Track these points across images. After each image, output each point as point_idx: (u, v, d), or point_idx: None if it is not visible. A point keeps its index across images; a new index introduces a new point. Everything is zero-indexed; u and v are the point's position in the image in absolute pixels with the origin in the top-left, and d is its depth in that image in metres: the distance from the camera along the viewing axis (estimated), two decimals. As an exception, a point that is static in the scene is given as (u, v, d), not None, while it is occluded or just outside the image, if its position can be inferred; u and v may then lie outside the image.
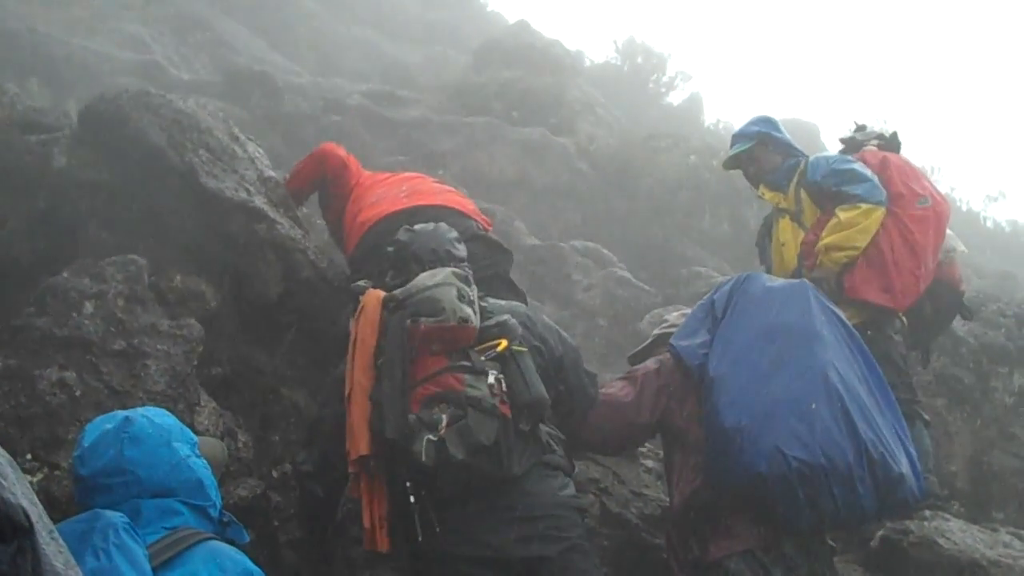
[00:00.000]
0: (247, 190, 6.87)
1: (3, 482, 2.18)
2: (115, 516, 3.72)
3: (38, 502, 2.45)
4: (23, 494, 2.30)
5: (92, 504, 4.04)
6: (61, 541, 2.50)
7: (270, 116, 13.19)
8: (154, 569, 3.72)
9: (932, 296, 8.27)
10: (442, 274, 5.75)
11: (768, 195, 8.57)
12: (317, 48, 21.07)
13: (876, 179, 7.91)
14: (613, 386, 6.72)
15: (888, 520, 7.29)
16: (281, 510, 6.07)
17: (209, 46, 17.42)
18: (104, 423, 4.27)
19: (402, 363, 5.39)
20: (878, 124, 8.98)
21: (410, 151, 13.02)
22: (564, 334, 6.35)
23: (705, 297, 6.80)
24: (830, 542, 6.20)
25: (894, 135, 8.73)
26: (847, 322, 6.44)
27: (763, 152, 8.71)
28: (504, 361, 5.53)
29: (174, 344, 5.94)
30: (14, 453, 4.88)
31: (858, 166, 8.02)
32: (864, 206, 7.76)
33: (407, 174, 8.21)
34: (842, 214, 7.87)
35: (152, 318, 5.99)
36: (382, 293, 5.77)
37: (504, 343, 5.59)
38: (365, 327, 5.59)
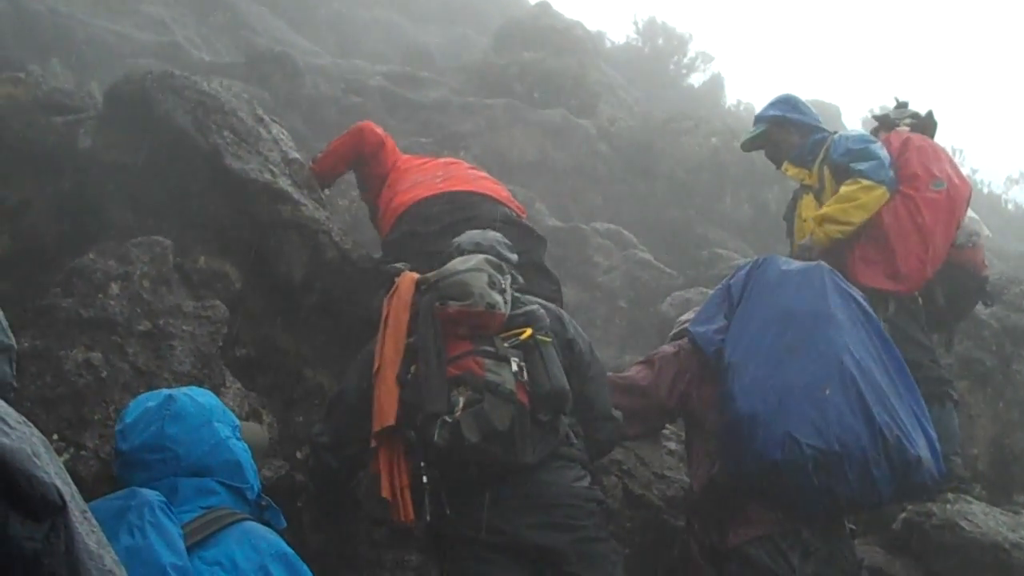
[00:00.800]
0: (271, 171, 6.88)
1: (37, 461, 2.19)
2: (151, 494, 3.75)
3: (71, 481, 2.46)
4: (56, 473, 2.31)
5: (131, 479, 4.09)
6: (94, 520, 2.51)
7: (291, 97, 13.20)
8: (189, 548, 3.74)
9: (950, 280, 8.21)
10: (475, 260, 5.80)
11: (792, 172, 8.53)
12: (338, 29, 21.07)
13: (887, 159, 7.86)
14: (631, 370, 6.74)
15: (910, 503, 7.29)
16: (306, 490, 6.09)
17: (230, 27, 17.43)
18: (147, 400, 4.32)
19: (435, 342, 5.43)
20: (915, 105, 8.88)
21: (431, 133, 13.04)
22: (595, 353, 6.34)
23: (722, 281, 6.79)
24: (850, 525, 6.20)
25: (929, 114, 8.62)
26: (864, 302, 6.42)
27: (780, 133, 8.66)
28: (528, 349, 5.55)
29: (199, 325, 5.97)
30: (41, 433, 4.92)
31: (874, 146, 8.00)
32: (865, 182, 7.72)
33: (444, 160, 8.24)
34: (843, 188, 7.87)
35: (177, 299, 6.02)
36: (416, 275, 5.80)
37: (529, 331, 5.62)
38: (398, 307, 5.66)
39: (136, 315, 5.74)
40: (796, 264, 6.60)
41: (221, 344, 6.08)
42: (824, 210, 7.88)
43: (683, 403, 6.45)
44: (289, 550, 4.01)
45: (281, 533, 4.27)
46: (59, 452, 4.90)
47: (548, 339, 5.70)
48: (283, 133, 7.57)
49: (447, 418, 5.16)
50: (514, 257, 6.34)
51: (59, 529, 2.21)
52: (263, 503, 4.37)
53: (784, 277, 6.38)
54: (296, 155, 7.46)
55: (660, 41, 28.31)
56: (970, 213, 8.22)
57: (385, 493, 5.28)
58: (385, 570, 6.28)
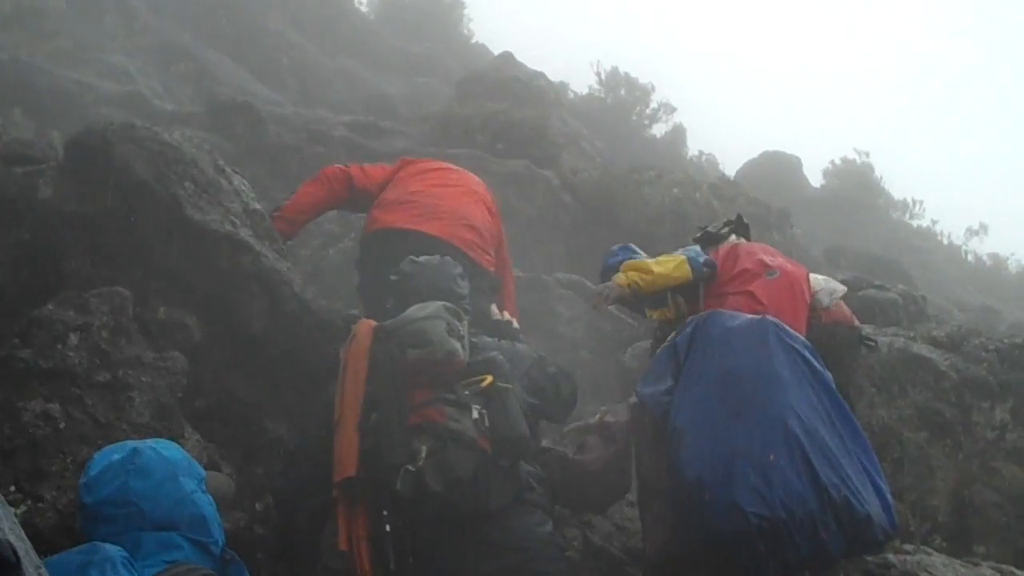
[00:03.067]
0: (232, 222, 6.87)
1: (-10, 518, 2.18)
2: (113, 550, 3.74)
3: (25, 537, 2.45)
4: (10, 529, 2.30)
5: (93, 533, 4.10)
6: None
7: (253, 147, 13.19)
8: None
9: (834, 336, 8.16)
10: (432, 307, 5.86)
11: (656, 315, 8.39)
12: (301, 78, 21.10)
13: (696, 255, 7.67)
14: (591, 448, 6.71)
15: (869, 555, 7.29)
16: (265, 543, 6.06)
17: (193, 76, 17.44)
18: (112, 453, 4.33)
19: (396, 391, 5.49)
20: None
21: (394, 182, 13.02)
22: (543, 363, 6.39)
23: (669, 338, 6.78)
24: None
25: (739, 219, 8.67)
26: (811, 356, 6.40)
27: None
28: (489, 396, 5.59)
29: (158, 376, 5.95)
30: (-2, 486, 4.90)
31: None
32: (679, 256, 7.57)
33: (451, 174, 8.29)
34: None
35: (137, 350, 5.99)
36: (373, 323, 5.82)
37: (490, 379, 5.66)
38: (357, 355, 5.70)
39: (95, 366, 5.72)
40: (740, 319, 6.58)
41: (180, 395, 6.07)
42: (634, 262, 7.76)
43: (637, 466, 6.47)
44: None
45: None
46: (16, 504, 4.88)
47: (508, 386, 5.74)
48: (244, 184, 7.56)
49: (410, 467, 5.20)
50: (466, 286, 6.52)
51: (11, 587, 2.20)
52: (227, 557, 4.36)
53: (728, 334, 6.36)
54: (257, 206, 7.45)
55: (622, 92, 28.45)
56: (820, 278, 8.15)
57: (343, 545, 5.27)
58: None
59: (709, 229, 8.54)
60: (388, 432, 5.34)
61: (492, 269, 7.86)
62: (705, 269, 7.52)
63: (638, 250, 8.32)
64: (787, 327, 6.53)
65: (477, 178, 8.83)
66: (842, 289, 8.39)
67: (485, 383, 5.69)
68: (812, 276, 7.90)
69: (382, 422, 5.40)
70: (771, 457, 5.68)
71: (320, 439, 5.80)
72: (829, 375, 6.35)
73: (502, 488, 5.50)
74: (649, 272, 7.38)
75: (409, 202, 7.64)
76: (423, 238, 7.18)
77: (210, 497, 4.38)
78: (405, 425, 5.40)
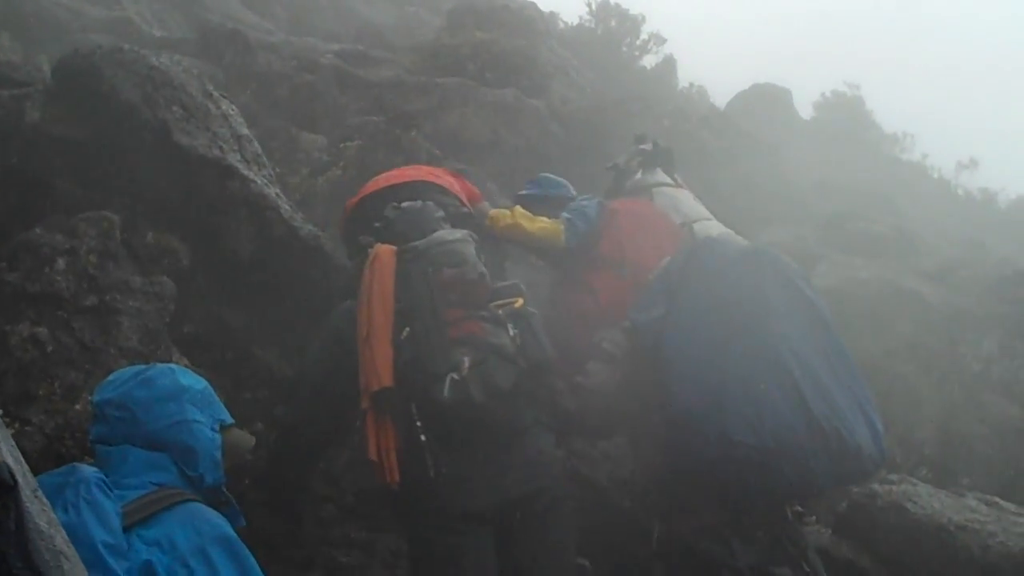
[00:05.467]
0: (220, 147, 6.84)
1: (-12, 440, 2.18)
2: (89, 471, 3.73)
3: (22, 460, 2.44)
4: (8, 451, 2.30)
5: (92, 430, 4.18)
6: (45, 499, 2.50)
7: (243, 74, 13.10)
8: (130, 526, 3.72)
9: None
10: (461, 232, 6.02)
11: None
12: (290, 7, 20.94)
13: (586, 223, 7.34)
14: (596, 373, 6.69)
15: (855, 485, 7.32)
16: (252, 469, 6.07)
17: (182, 3, 17.27)
18: (137, 367, 4.42)
19: (432, 305, 5.56)
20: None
21: (383, 111, 12.96)
22: None
23: (662, 264, 6.75)
24: (797, 508, 6.21)
25: (655, 145, 8.28)
26: (808, 288, 6.38)
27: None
28: (519, 318, 5.73)
29: (147, 301, 5.94)
30: (-15, 408, 4.90)
31: (587, 205, 7.57)
32: (557, 224, 7.24)
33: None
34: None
35: (124, 275, 5.98)
36: (393, 247, 5.85)
37: (521, 301, 5.84)
38: (382, 274, 5.72)
39: (83, 290, 5.71)
40: (736, 247, 6.55)
41: (168, 320, 6.06)
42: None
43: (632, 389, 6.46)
44: (232, 534, 3.99)
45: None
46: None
47: (535, 311, 5.90)
48: (233, 109, 7.53)
49: (455, 376, 5.29)
50: (449, 228, 6.42)
51: (9, 509, 2.19)
52: (222, 499, 4.35)
53: (723, 263, 6.33)
54: (246, 131, 7.42)
55: (613, 23, 28.24)
56: None
57: (372, 455, 5.33)
58: (332, 547, 6.31)
59: (619, 163, 8.33)
60: (428, 343, 5.42)
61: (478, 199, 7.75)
62: (586, 240, 7.30)
63: (566, 186, 8.18)
64: (783, 257, 6.50)
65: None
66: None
67: (517, 304, 5.84)
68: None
69: (420, 334, 5.47)
70: (761, 386, 5.68)
71: (323, 366, 5.86)
72: (826, 308, 6.34)
73: (531, 405, 5.66)
74: (521, 228, 7.24)
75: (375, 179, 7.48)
76: (397, 188, 7.10)
77: (218, 439, 4.38)
78: (446, 337, 5.48)
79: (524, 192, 8.03)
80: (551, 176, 8.36)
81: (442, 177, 7.25)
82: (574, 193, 8.05)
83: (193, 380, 4.48)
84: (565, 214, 7.37)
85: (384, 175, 7.26)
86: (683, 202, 7.68)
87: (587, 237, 7.28)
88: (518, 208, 7.31)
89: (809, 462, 5.60)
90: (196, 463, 4.22)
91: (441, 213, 6.45)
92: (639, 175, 8.03)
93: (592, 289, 7.00)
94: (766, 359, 5.80)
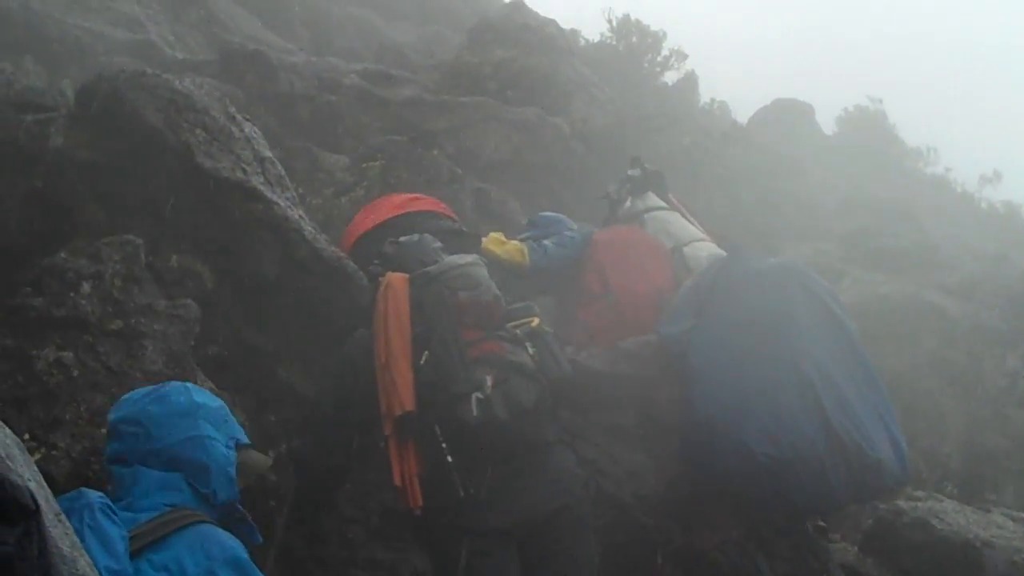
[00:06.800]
0: (243, 170, 6.86)
1: (10, 464, 2.19)
2: (94, 496, 3.74)
3: (45, 484, 2.46)
4: (31, 476, 2.31)
5: (106, 450, 4.26)
6: (68, 523, 2.52)
7: (264, 95, 13.14)
8: (140, 550, 3.74)
9: None
10: (471, 256, 6.10)
11: None
12: (311, 27, 21.00)
13: (549, 256, 7.47)
14: (595, 356, 6.72)
15: (881, 502, 7.32)
16: (277, 490, 6.09)
17: (204, 25, 17.33)
18: (152, 386, 4.52)
19: (452, 327, 5.63)
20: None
21: (405, 130, 12.99)
22: None
23: (692, 278, 6.78)
24: (820, 523, 6.23)
25: (644, 170, 8.43)
26: (836, 304, 6.40)
27: None
28: (536, 337, 5.80)
29: (171, 324, 5.95)
30: (12, 434, 4.92)
31: (567, 234, 7.75)
32: (519, 244, 7.48)
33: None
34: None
35: (149, 298, 6.00)
36: (404, 274, 5.90)
37: (537, 320, 5.90)
38: (396, 302, 5.78)
39: (108, 314, 5.73)
40: (766, 263, 6.58)
41: (193, 343, 6.08)
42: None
43: (650, 404, 6.49)
44: (243, 556, 3.99)
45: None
46: (30, 452, 4.88)
47: (550, 330, 5.98)
48: (255, 131, 7.55)
49: (479, 395, 5.35)
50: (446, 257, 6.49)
51: (32, 533, 2.21)
52: (237, 515, 4.36)
53: (750, 278, 6.37)
54: (268, 153, 7.44)
55: (634, 39, 28.22)
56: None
57: (396, 481, 5.40)
58: (358, 568, 6.32)
59: (610, 192, 8.35)
60: (450, 364, 5.47)
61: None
62: (554, 263, 7.41)
63: (561, 221, 8.19)
64: (811, 273, 6.53)
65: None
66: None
67: (533, 323, 5.89)
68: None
69: (440, 356, 5.52)
70: (782, 399, 5.71)
71: (337, 397, 5.89)
72: (852, 324, 6.37)
73: (551, 423, 5.72)
74: (491, 253, 7.31)
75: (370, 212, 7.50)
76: (394, 222, 7.13)
77: (233, 456, 4.40)
78: (466, 358, 5.53)
79: (523, 236, 8.04)
80: (548, 215, 8.56)
81: (424, 200, 7.33)
82: (572, 225, 8.11)
83: (208, 398, 4.52)
84: (542, 240, 7.58)
85: (371, 209, 7.31)
86: (673, 224, 7.74)
87: (557, 259, 7.44)
88: (492, 234, 7.37)
89: (828, 475, 5.63)
90: (208, 479, 4.22)
91: (438, 244, 6.50)
92: (628, 203, 8.06)
93: (583, 323, 7.05)
94: (788, 372, 5.84)
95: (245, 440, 4.60)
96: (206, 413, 4.41)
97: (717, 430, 5.83)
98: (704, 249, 7.37)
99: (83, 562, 2.45)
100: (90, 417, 5.18)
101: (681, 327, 6.37)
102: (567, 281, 7.37)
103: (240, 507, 4.38)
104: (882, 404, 6.10)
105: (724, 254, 7.17)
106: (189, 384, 4.62)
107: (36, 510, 2.21)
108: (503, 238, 7.35)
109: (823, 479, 5.61)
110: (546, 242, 7.46)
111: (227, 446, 4.39)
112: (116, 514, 3.75)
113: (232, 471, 4.36)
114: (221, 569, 3.85)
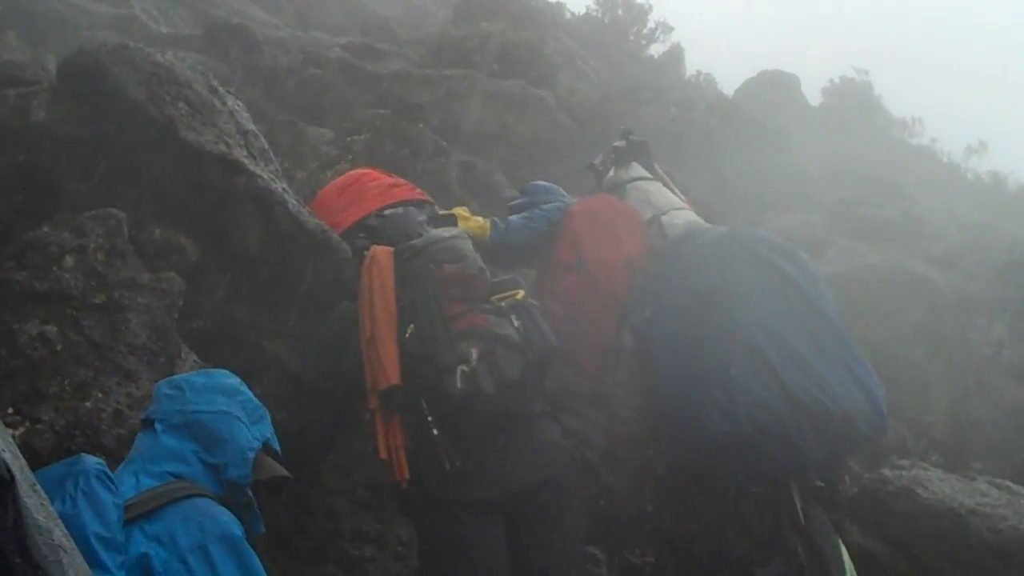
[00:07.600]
0: (226, 143, 6.83)
1: (-16, 435, 2.19)
2: (91, 462, 3.74)
3: (20, 455, 2.45)
4: (5, 447, 2.31)
5: (145, 413, 4.35)
6: (43, 494, 2.51)
7: (249, 70, 13.10)
8: (134, 519, 3.74)
9: None
10: (456, 229, 6.12)
11: None
12: (296, 1, 20.93)
13: (511, 232, 7.32)
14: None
15: (865, 470, 7.35)
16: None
17: (187, 0, 17.30)
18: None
19: (436, 300, 5.62)
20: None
21: (390, 104, 12.96)
22: None
23: (655, 261, 6.78)
24: (817, 483, 6.23)
25: (628, 139, 8.27)
26: (786, 265, 6.34)
27: None
28: (521, 309, 5.80)
29: (155, 297, 5.94)
30: (-5, 407, 4.92)
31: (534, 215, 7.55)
32: (484, 220, 7.30)
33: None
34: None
35: (132, 272, 5.99)
36: (389, 248, 5.90)
37: (522, 292, 5.92)
38: (381, 274, 5.79)
39: (91, 288, 5.72)
40: (710, 235, 6.56)
41: (177, 316, 6.07)
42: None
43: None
44: (237, 533, 3.99)
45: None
46: (14, 426, 4.89)
47: (535, 302, 6.00)
48: (239, 105, 7.52)
49: (464, 368, 5.37)
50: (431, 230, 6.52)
51: (7, 503, 2.21)
52: (246, 500, 4.35)
53: (699, 255, 6.37)
54: (252, 127, 7.41)
55: (620, 12, 28.21)
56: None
57: (382, 454, 5.42)
58: (344, 540, 6.33)
59: (595, 163, 8.30)
60: (434, 338, 5.47)
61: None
62: (516, 239, 7.29)
63: (554, 191, 8.16)
64: (758, 235, 6.52)
65: None
66: None
67: (519, 296, 5.91)
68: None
69: (425, 330, 5.52)
70: (731, 371, 5.71)
71: (320, 370, 5.90)
72: (806, 280, 6.31)
73: (536, 395, 5.74)
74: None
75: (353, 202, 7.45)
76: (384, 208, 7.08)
77: (256, 445, 4.41)
78: (451, 331, 5.54)
79: (514, 202, 8.04)
80: (540, 183, 8.41)
81: (403, 188, 7.28)
82: (565, 196, 8.03)
83: (247, 393, 4.59)
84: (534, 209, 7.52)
85: (350, 197, 7.19)
86: (654, 194, 7.68)
87: (521, 236, 7.31)
88: (457, 208, 7.33)
89: (793, 437, 5.62)
90: (222, 451, 4.23)
91: (423, 217, 6.51)
92: (611, 173, 8.05)
93: (556, 295, 6.98)
94: (733, 343, 5.84)
95: (275, 446, 4.62)
96: (245, 401, 4.49)
97: (675, 417, 5.87)
98: (681, 217, 7.32)
99: (58, 532, 2.45)
100: (73, 391, 5.18)
101: (644, 316, 6.38)
102: (546, 255, 7.34)
103: (249, 492, 4.37)
104: (848, 355, 6.03)
105: (702, 221, 7.18)
106: (237, 379, 4.67)
107: (11, 480, 2.21)
108: (466, 212, 7.29)
109: (789, 443, 5.60)
110: (513, 217, 7.41)
111: (253, 437, 4.40)
112: (112, 482, 3.76)
113: (250, 456, 4.35)
114: (213, 544, 3.85)
